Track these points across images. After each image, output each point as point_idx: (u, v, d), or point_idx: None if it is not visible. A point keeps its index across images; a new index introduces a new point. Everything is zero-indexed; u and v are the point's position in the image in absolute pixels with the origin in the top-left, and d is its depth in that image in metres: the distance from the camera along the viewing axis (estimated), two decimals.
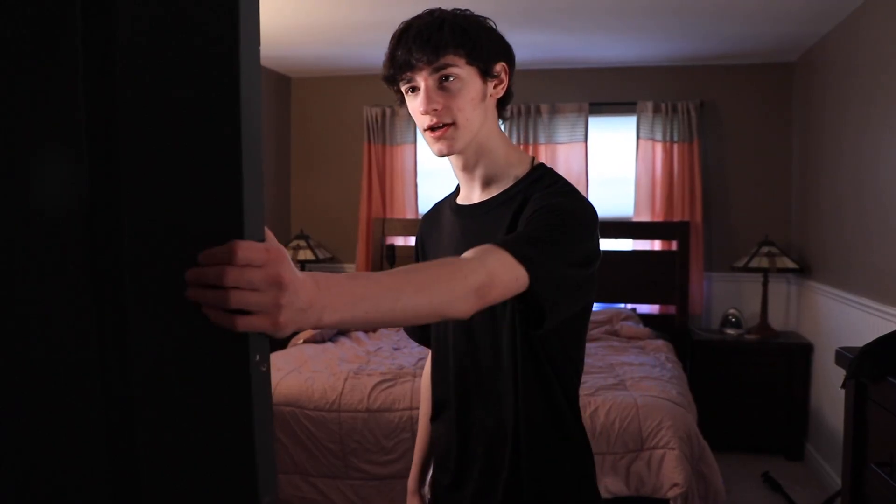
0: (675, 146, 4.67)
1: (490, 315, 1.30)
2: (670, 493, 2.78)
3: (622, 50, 4.42)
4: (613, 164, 4.82)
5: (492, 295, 1.03)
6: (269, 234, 0.71)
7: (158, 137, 0.65)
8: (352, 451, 3.11)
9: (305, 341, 4.05)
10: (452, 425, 1.42)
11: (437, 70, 1.23)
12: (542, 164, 1.37)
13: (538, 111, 4.77)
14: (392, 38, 1.27)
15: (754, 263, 4.33)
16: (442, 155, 1.30)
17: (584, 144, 4.75)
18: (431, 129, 1.26)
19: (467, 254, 1.08)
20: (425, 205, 5.08)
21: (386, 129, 5.04)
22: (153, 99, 0.65)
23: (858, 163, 3.43)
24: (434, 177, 5.08)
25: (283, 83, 5.21)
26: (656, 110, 4.68)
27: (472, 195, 1.38)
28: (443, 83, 1.24)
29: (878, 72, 3.16)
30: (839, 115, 3.72)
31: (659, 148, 4.70)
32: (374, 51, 4.47)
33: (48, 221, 0.66)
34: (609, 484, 2.86)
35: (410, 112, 1.31)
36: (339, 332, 4.28)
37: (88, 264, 0.66)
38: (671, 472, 2.79)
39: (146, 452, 0.66)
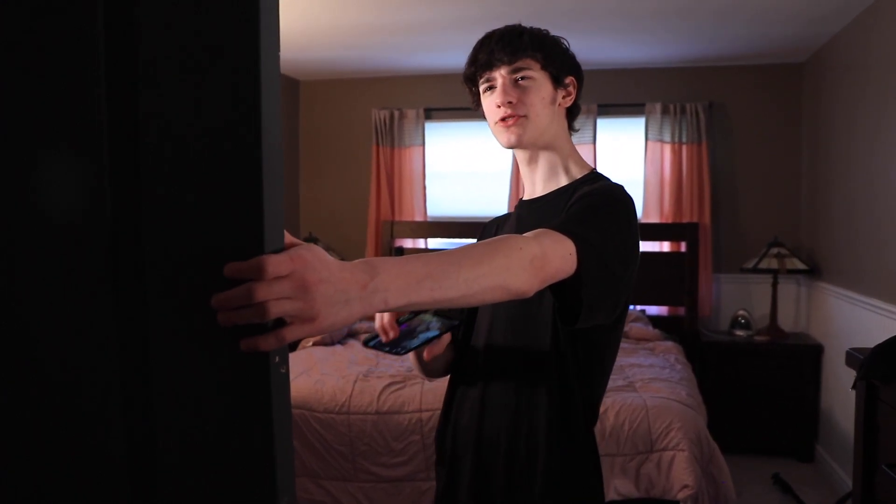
0: (684, 147, 4.66)
1: (528, 312, 1.35)
2: (680, 495, 2.78)
3: (630, 51, 4.42)
4: (622, 166, 4.81)
5: (548, 269, 1.06)
6: (289, 237, 0.72)
7: (179, 147, 0.66)
8: (361, 454, 3.12)
9: (315, 344, 4.06)
10: (461, 423, 1.44)
11: (514, 70, 1.36)
12: (599, 172, 1.45)
13: None
14: (476, 43, 1.40)
15: (764, 265, 4.32)
16: (511, 145, 1.38)
17: (592, 146, 4.75)
18: (503, 119, 1.36)
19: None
20: (434, 207, 5.09)
21: (394, 131, 5.05)
22: (174, 109, 0.65)
23: (869, 163, 3.42)
24: (442, 179, 5.10)
25: (291, 86, 5.23)
26: (665, 112, 4.68)
27: (535, 191, 1.47)
28: (518, 82, 1.36)
29: (888, 72, 3.15)
30: (849, 115, 3.71)
31: (667, 149, 4.69)
32: (382, 53, 4.49)
33: (69, 231, 0.67)
34: (619, 485, 2.86)
35: (484, 108, 1.42)
36: (348, 334, 4.29)
37: (110, 270, 0.66)
38: (681, 474, 2.79)
39: (166, 452, 0.67)
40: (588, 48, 4.28)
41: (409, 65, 4.78)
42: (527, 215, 1.44)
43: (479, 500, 1.38)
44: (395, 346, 1.27)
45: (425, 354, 1.34)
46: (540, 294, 1.10)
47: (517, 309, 1.32)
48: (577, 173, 1.43)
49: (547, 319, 1.33)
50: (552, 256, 1.07)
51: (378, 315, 1.26)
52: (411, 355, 1.41)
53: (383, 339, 1.26)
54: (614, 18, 3.71)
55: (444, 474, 1.47)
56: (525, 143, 1.38)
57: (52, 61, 0.66)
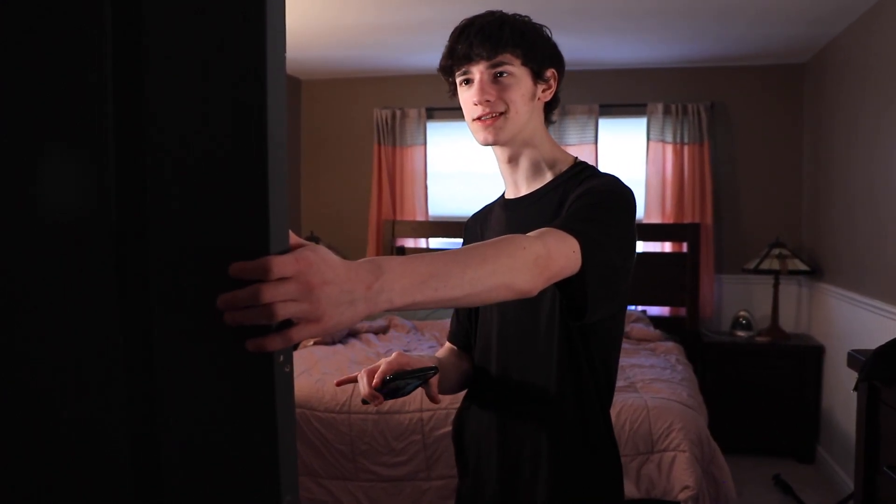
0: (686, 148, 4.66)
1: (534, 313, 1.34)
2: (681, 496, 2.78)
3: (632, 51, 4.42)
4: (623, 166, 4.81)
5: (552, 268, 1.06)
6: (294, 237, 0.72)
7: (185, 147, 0.66)
8: (362, 453, 3.12)
9: (316, 343, 4.06)
10: (483, 427, 1.44)
11: (493, 65, 1.30)
12: (584, 161, 1.42)
13: None
14: (453, 31, 1.34)
15: (765, 265, 4.31)
16: (487, 143, 1.35)
17: (594, 146, 4.75)
18: (480, 118, 1.32)
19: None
20: (435, 207, 5.09)
21: (396, 130, 5.05)
22: (180, 109, 0.65)
23: (871, 163, 3.41)
24: (444, 179, 5.09)
25: (293, 85, 5.23)
26: (666, 112, 4.67)
27: (518, 190, 1.43)
28: (497, 78, 1.31)
29: (890, 72, 3.15)
30: (851, 116, 3.70)
31: (669, 150, 4.69)
32: (383, 53, 4.48)
33: (74, 230, 0.67)
34: None
35: (461, 102, 1.37)
36: (349, 333, 4.29)
37: (114, 269, 0.67)
38: (682, 475, 2.78)
39: (170, 452, 0.67)
40: (589, 48, 4.28)
41: (410, 64, 4.78)
42: (515, 216, 1.41)
43: (506, 494, 1.38)
44: (391, 397, 1.31)
45: (435, 399, 1.35)
46: (546, 289, 1.10)
47: (524, 304, 1.31)
48: (562, 166, 1.40)
49: (554, 314, 1.32)
50: (556, 255, 1.06)
51: (361, 383, 1.28)
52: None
53: (373, 406, 1.29)
54: (616, 18, 3.71)
55: (468, 472, 1.47)
56: (502, 140, 1.34)
57: (59, 60, 0.66)
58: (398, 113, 5.04)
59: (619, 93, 4.83)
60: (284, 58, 0.68)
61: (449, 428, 3.09)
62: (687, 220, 4.65)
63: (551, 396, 1.33)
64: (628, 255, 1.24)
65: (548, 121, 1.43)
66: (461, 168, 5.05)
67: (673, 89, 4.75)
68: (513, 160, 1.40)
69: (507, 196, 1.47)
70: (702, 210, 4.64)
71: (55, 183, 0.67)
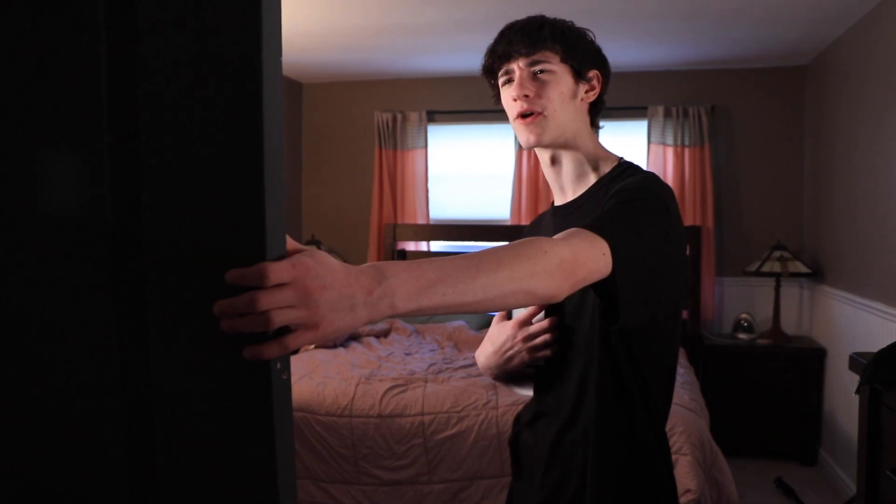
0: (687, 150, 4.66)
1: (579, 317, 1.30)
2: (683, 500, 2.77)
3: (632, 54, 4.42)
4: None
5: (579, 273, 1.02)
6: (292, 242, 0.72)
7: (180, 151, 0.65)
8: (363, 457, 3.11)
9: (317, 347, 4.05)
10: (535, 434, 1.40)
11: (532, 63, 1.31)
12: (629, 161, 1.40)
13: None
14: (497, 35, 1.36)
15: (766, 268, 4.31)
16: (530, 145, 1.33)
17: None
18: (522, 116, 1.31)
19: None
20: (436, 210, 5.09)
21: (397, 134, 5.06)
22: (176, 114, 0.65)
23: (872, 166, 3.41)
24: (445, 182, 5.10)
25: (294, 89, 5.23)
26: (667, 115, 4.67)
27: (565, 195, 1.41)
28: (536, 75, 1.31)
29: (891, 74, 3.15)
30: (852, 118, 3.70)
31: (670, 152, 4.69)
32: (384, 56, 4.49)
33: (70, 236, 0.67)
34: None
35: (503, 102, 1.37)
36: (350, 337, 4.29)
37: (110, 275, 0.66)
38: (684, 478, 2.78)
39: (167, 459, 0.67)
40: None
41: (411, 67, 4.79)
42: (563, 223, 1.34)
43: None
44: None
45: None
46: (583, 291, 1.06)
47: (572, 307, 1.27)
48: (606, 168, 1.37)
49: (595, 318, 1.26)
50: (584, 259, 1.03)
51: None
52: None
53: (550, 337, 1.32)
54: (616, 21, 3.71)
55: (522, 475, 1.44)
56: (546, 141, 1.32)
57: (52, 60, 0.66)
58: (399, 116, 5.04)
59: (619, 96, 4.80)
60: (280, 59, 0.67)
61: (450, 432, 3.10)
62: (688, 222, 4.64)
63: (593, 406, 1.27)
64: (668, 255, 1.19)
65: (594, 124, 1.41)
66: (462, 171, 5.05)
67: (673, 92, 4.75)
68: (555, 162, 1.38)
69: (556, 203, 1.44)
70: (703, 213, 4.64)
71: (50, 187, 0.67)
